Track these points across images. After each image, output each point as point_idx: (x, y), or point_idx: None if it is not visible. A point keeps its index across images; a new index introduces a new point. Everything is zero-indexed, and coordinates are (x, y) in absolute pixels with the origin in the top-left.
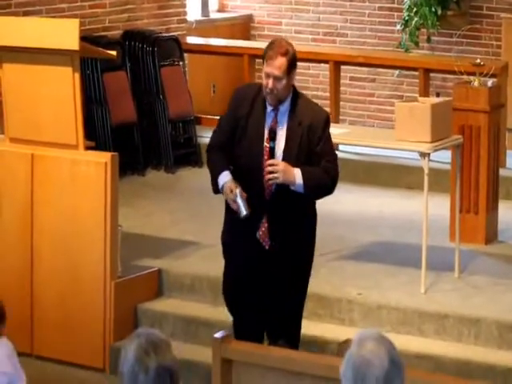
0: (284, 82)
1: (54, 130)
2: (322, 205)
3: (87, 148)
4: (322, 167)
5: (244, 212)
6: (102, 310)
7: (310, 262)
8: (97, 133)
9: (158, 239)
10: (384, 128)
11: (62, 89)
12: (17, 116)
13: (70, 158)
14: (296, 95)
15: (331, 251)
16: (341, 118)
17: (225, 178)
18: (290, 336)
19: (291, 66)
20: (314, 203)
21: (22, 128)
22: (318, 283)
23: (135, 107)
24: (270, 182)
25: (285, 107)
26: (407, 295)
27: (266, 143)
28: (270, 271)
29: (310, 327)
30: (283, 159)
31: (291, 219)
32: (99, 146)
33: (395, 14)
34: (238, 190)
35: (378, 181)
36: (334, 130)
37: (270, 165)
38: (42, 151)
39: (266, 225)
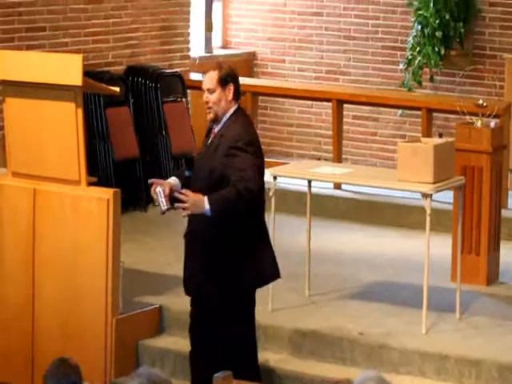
0: (216, 94)
1: (56, 165)
2: (324, 243)
3: (89, 184)
4: (230, 184)
5: (162, 208)
6: (103, 346)
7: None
8: (99, 168)
9: (160, 276)
10: (386, 167)
11: (64, 124)
12: (19, 150)
13: (72, 193)
14: (234, 117)
15: (333, 290)
16: (343, 156)
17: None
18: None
19: (224, 80)
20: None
21: (25, 162)
22: (319, 322)
23: (138, 143)
24: (182, 214)
25: (220, 125)
26: (408, 335)
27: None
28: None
29: (311, 366)
30: (195, 178)
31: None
32: (102, 181)
33: (398, 53)
34: (159, 189)
35: (380, 220)
36: (337, 170)
37: (185, 195)
38: (45, 186)
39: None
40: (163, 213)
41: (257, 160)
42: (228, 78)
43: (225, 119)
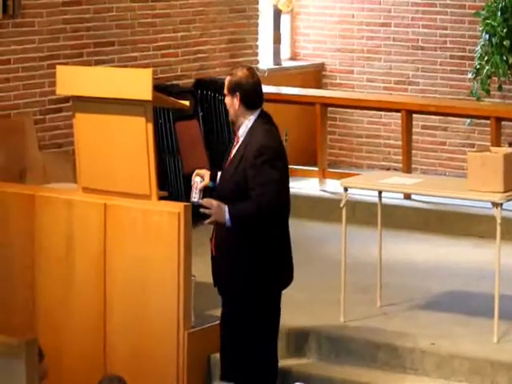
0: (228, 99)
1: (126, 179)
2: (394, 254)
3: (160, 198)
4: (251, 197)
5: (192, 199)
6: (175, 360)
7: (246, 298)
8: (169, 182)
9: None
10: (455, 177)
11: (134, 139)
12: (90, 166)
13: (143, 208)
14: (256, 124)
15: (403, 301)
16: (413, 166)
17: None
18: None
19: (232, 87)
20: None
21: (95, 178)
22: (390, 333)
23: (208, 156)
24: (206, 223)
25: (242, 131)
26: (480, 345)
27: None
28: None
29: (382, 378)
30: (223, 175)
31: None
32: (172, 196)
33: (466, 62)
34: (197, 179)
35: (449, 230)
36: (407, 180)
37: (209, 204)
38: (115, 201)
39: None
40: (193, 203)
41: (280, 174)
42: (235, 87)
43: (246, 126)
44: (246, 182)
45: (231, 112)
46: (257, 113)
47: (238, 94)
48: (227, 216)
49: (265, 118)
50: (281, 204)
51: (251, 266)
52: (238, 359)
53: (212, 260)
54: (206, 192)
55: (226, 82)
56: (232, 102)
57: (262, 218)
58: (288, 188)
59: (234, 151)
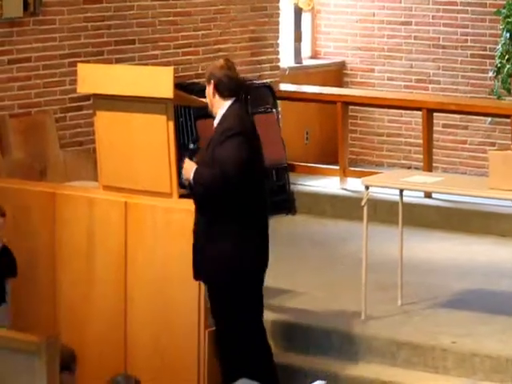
0: (206, 90)
1: (147, 177)
2: (415, 252)
3: (181, 196)
4: (211, 168)
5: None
6: (196, 358)
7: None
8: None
9: None
10: (476, 175)
11: (155, 137)
12: (110, 164)
13: (164, 206)
14: (227, 112)
15: (424, 299)
16: (433, 165)
17: None
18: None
19: (208, 77)
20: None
21: (116, 176)
22: (411, 331)
23: None
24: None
25: (216, 119)
26: (501, 343)
27: None
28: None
29: (404, 375)
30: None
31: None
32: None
33: (487, 61)
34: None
35: (470, 228)
36: (428, 179)
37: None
38: (136, 199)
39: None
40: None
41: (238, 150)
42: (208, 76)
43: (220, 115)
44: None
45: (208, 101)
46: (231, 101)
47: (212, 81)
48: (192, 174)
49: (238, 106)
50: (236, 176)
51: (233, 251)
52: (229, 348)
53: (193, 249)
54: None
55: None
56: (207, 91)
57: (216, 188)
58: (258, 167)
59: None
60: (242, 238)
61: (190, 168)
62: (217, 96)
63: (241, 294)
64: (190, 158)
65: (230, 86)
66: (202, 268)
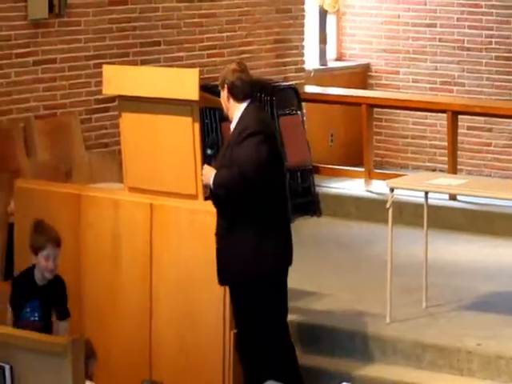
0: (221, 95)
1: (173, 179)
2: (440, 254)
3: (206, 198)
4: (230, 169)
5: None
6: (221, 359)
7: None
8: None
9: None
10: (501, 178)
11: (181, 139)
12: (136, 165)
13: (189, 207)
14: (243, 114)
15: (449, 301)
16: (458, 167)
17: None
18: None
19: (221, 82)
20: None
21: (141, 177)
22: (436, 334)
23: None
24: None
25: (233, 123)
26: None
27: None
28: None
29: (429, 378)
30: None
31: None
32: None
33: None
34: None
35: (495, 230)
36: (453, 181)
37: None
38: (161, 201)
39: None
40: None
41: (256, 149)
42: (222, 81)
43: (236, 118)
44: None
45: (223, 106)
46: (246, 103)
47: (225, 85)
48: (212, 179)
49: (253, 107)
50: (254, 176)
51: (252, 253)
52: (253, 342)
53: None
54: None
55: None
56: (222, 96)
57: (235, 188)
58: (277, 168)
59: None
60: (260, 240)
61: (209, 173)
62: (231, 100)
63: (260, 296)
64: (209, 164)
65: (244, 88)
66: (223, 271)
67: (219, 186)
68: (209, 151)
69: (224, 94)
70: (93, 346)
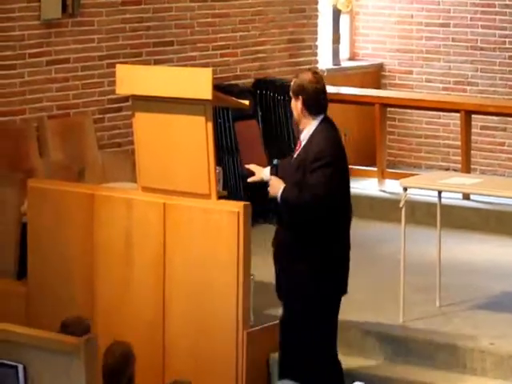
0: (292, 102)
1: (186, 179)
2: (453, 254)
3: (220, 197)
4: (303, 193)
5: None
6: (235, 359)
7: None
8: (228, 181)
9: None
10: None
11: (194, 138)
12: (149, 165)
13: (203, 207)
14: (318, 129)
15: (463, 301)
16: (472, 167)
17: None
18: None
19: (295, 90)
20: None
21: (155, 177)
22: (449, 333)
23: (267, 156)
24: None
25: (304, 135)
26: None
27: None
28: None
29: (442, 377)
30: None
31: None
32: (230, 195)
33: None
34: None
35: (509, 230)
36: (467, 180)
37: (269, 180)
38: (175, 200)
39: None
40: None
41: (331, 180)
42: (297, 91)
43: (309, 131)
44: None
45: (295, 115)
46: (319, 118)
47: (300, 97)
48: (280, 193)
49: (327, 125)
50: (326, 208)
51: (310, 277)
52: (299, 362)
53: (274, 265)
54: (273, 170)
55: (291, 84)
56: (295, 105)
57: (304, 214)
58: (345, 194)
59: (295, 154)
60: (321, 263)
61: (277, 185)
62: (306, 113)
63: (314, 320)
64: (276, 174)
65: (320, 101)
66: (281, 286)
67: (286, 204)
68: (275, 161)
69: (298, 104)
70: (131, 347)
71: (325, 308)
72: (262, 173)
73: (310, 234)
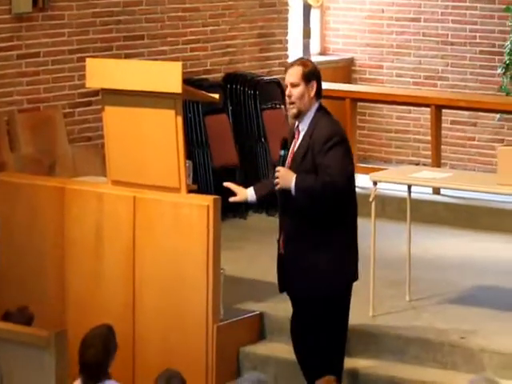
0: (299, 89)
1: (156, 172)
2: (423, 249)
3: (189, 191)
4: (319, 176)
5: None
6: (204, 353)
7: (326, 293)
8: (198, 176)
9: (261, 282)
10: (485, 172)
11: (164, 132)
12: (119, 159)
13: (173, 200)
14: (319, 115)
15: (433, 295)
16: (442, 161)
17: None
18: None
19: (309, 75)
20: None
21: (125, 171)
22: (419, 327)
23: (237, 150)
24: (276, 187)
25: (305, 123)
26: (510, 339)
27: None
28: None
29: (411, 371)
30: (290, 167)
31: (301, 234)
32: (201, 189)
33: (496, 57)
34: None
35: (479, 225)
36: (437, 175)
37: (277, 171)
38: (145, 194)
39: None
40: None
41: (345, 159)
42: (312, 75)
43: (309, 118)
44: (316, 169)
45: (303, 101)
46: (317, 104)
47: (314, 82)
48: (293, 184)
49: (325, 110)
50: (343, 186)
51: (324, 265)
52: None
53: (279, 259)
54: (280, 161)
55: (300, 72)
56: (305, 91)
57: (324, 196)
58: (353, 174)
59: (296, 144)
60: (338, 249)
61: (287, 175)
62: (315, 98)
63: (335, 309)
64: (282, 165)
65: (321, 86)
66: (291, 280)
67: (304, 192)
68: (282, 152)
69: (308, 89)
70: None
71: (348, 295)
72: (247, 194)
73: (328, 218)
